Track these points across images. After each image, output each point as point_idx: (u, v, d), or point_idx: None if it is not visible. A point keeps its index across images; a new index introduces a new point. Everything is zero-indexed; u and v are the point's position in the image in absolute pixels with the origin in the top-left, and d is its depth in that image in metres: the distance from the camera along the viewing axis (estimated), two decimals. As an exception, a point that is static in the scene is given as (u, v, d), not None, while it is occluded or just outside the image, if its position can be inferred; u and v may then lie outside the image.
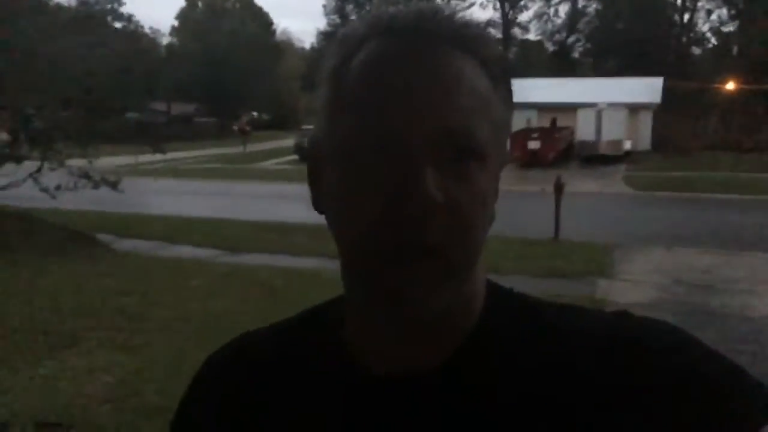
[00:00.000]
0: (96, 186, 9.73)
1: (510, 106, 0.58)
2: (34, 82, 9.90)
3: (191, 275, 7.77)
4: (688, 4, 39.19)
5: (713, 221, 12.04)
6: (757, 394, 0.52)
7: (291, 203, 16.07)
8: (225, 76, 48.19)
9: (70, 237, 9.57)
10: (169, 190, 18.60)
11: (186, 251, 9.74)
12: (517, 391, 0.55)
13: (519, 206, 13.92)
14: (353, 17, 43.12)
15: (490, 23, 45.73)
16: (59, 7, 14.21)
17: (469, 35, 0.55)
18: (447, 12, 0.55)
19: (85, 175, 9.64)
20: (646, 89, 26.56)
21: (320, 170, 0.57)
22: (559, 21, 45.33)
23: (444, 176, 0.50)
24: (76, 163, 9.89)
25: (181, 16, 59.16)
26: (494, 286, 0.62)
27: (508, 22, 45.30)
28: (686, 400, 0.51)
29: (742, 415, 0.51)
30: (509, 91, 0.58)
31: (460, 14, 0.56)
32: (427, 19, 0.54)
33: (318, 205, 0.59)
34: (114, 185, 9.87)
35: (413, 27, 0.54)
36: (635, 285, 7.44)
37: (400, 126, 0.50)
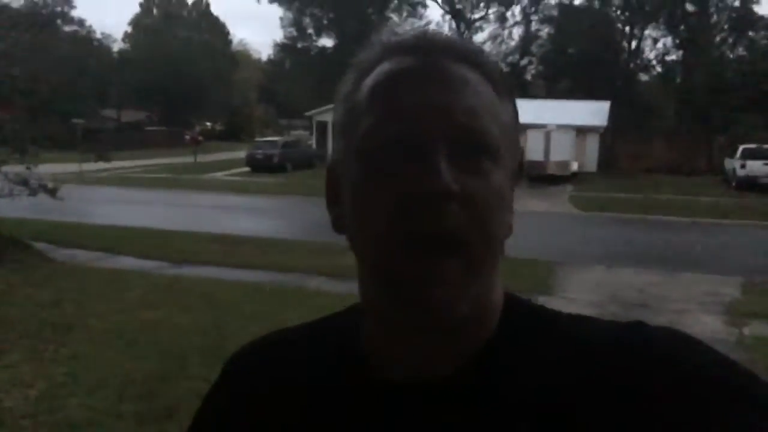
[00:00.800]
0: (33, 193, 9.42)
1: (516, 119, 0.62)
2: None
3: (130, 286, 7.59)
4: (635, 31, 40.56)
5: (654, 242, 12.42)
6: None
7: (239, 215, 15.92)
8: (178, 85, 47.50)
9: (2, 245, 9.22)
10: (115, 199, 18.15)
11: (128, 262, 9.51)
12: (534, 400, 0.55)
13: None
14: (310, 30, 43.22)
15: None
16: (3, 7, 13.80)
17: (471, 52, 0.59)
18: (449, 34, 0.62)
19: (23, 182, 9.33)
20: (594, 112, 27.35)
21: (338, 190, 0.60)
22: (512, 43, 46.33)
23: (460, 171, 0.52)
24: (14, 169, 9.57)
25: (135, 22, 58.19)
26: (511, 296, 0.64)
27: (463, 42, 46.02)
28: (697, 405, 0.51)
29: (754, 420, 0.50)
30: (514, 106, 0.62)
31: (461, 37, 0.63)
32: (432, 39, 0.59)
33: (338, 225, 0.61)
34: (52, 193, 9.58)
35: (420, 45, 0.58)
36: (572, 302, 7.61)
37: (415, 124, 0.54)
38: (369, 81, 0.58)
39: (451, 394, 0.57)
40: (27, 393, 4.11)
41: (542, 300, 7.48)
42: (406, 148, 0.53)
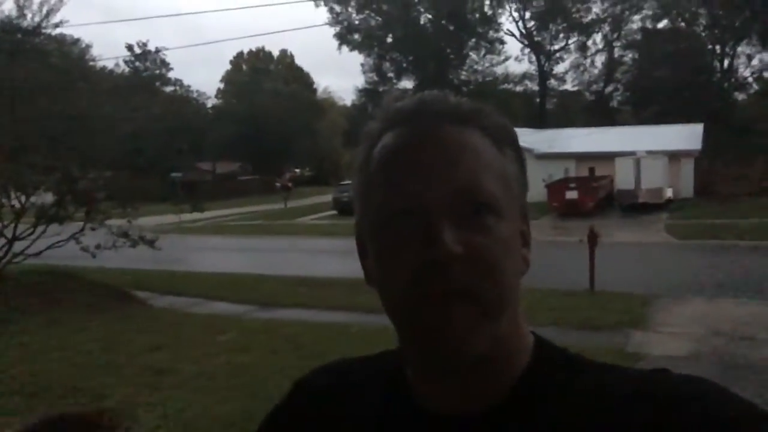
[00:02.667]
0: (134, 245, 10.03)
1: (521, 164, 0.67)
2: (83, 144, 10.40)
3: (222, 331, 7.87)
4: (727, 50, 38.85)
5: (757, 271, 11.61)
6: None
7: (326, 258, 16.23)
8: (268, 135, 49.49)
9: (108, 294, 9.84)
10: (211, 246, 18.99)
11: (221, 307, 9.89)
12: None
13: (556, 257, 13.70)
14: (390, 74, 44.12)
15: (526, 76, 46.16)
16: (110, 73, 15.01)
17: (467, 110, 0.64)
18: (444, 96, 0.66)
19: (124, 234, 9.96)
20: (687, 136, 26.18)
21: (364, 248, 0.67)
22: (595, 71, 45.42)
23: (462, 230, 0.58)
24: (116, 222, 10.24)
25: (227, 79, 61.50)
26: (541, 339, 0.69)
27: (544, 74, 45.58)
28: None
29: None
30: (517, 151, 0.67)
31: (456, 97, 0.66)
32: (427, 104, 0.64)
33: (369, 278, 0.67)
34: (151, 243, 10.15)
35: (417, 112, 0.64)
36: (671, 336, 7.19)
37: (418, 193, 0.59)
38: (375, 154, 0.64)
39: (486, 427, 0.62)
40: (125, 436, 4.33)
41: (638, 336, 7.16)
42: (413, 219, 0.59)
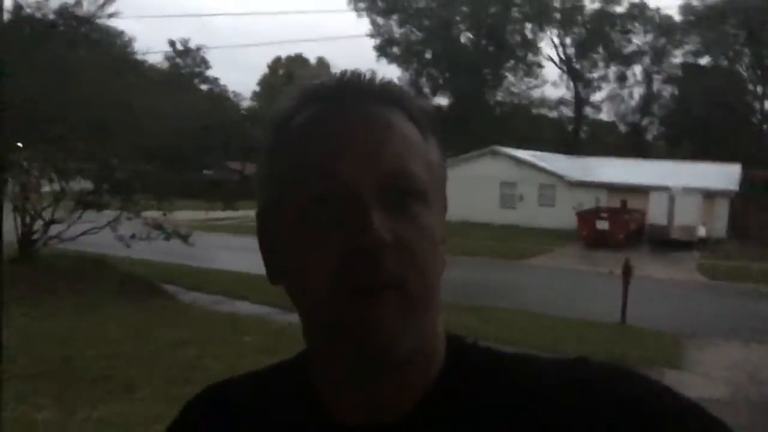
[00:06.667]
0: (168, 237, 10.09)
1: (443, 155, 0.61)
2: (123, 134, 10.52)
3: (247, 331, 7.85)
4: (767, 91, 38.36)
5: (795, 317, 11.30)
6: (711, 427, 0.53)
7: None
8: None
9: (137, 285, 9.89)
10: (236, 246, 19.06)
11: (244, 307, 9.88)
12: None
13: (585, 286, 13.53)
14: (426, 90, 44.19)
15: (561, 101, 45.95)
16: (152, 66, 15.22)
17: (393, 91, 0.59)
18: (368, 75, 0.59)
19: (159, 227, 10.03)
20: (723, 175, 25.77)
21: (272, 240, 0.59)
22: (632, 103, 45.04)
23: (391, 217, 0.53)
24: (151, 214, 10.32)
25: (263, 82, 62.17)
26: (457, 338, 0.63)
27: (580, 102, 45.33)
28: None
29: None
30: (440, 141, 0.61)
31: (380, 76, 0.59)
32: (351, 82, 0.58)
33: (273, 273, 0.61)
34: (185, 238, 10.22)
35: (340, 89, 0.58)
36: (706, 379, 7.00)
37: (344, 177, 0.53)
38: (290, 133, 0.57)
39: None
40: (155, 429, 4.29)
41: (672, 376, 6.98)
42: (338, 203, 0.53)
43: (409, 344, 0.54)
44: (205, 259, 14.53)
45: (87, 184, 10.68)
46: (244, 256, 17.15)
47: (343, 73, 0.59)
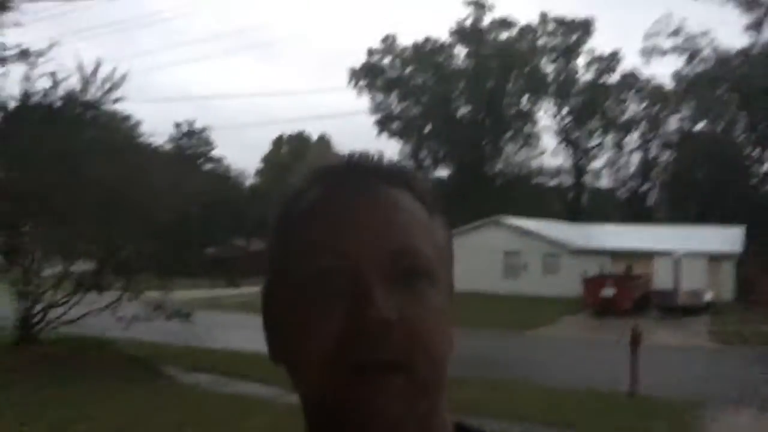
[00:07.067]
0: (169, 317, 10.03)
1: (449, 236, 0.62)
2: (126, 215, 10.62)
3: (251, 413, 7.68)
4: (766, 154, 38.74)
5: (810, 383, 11.00)
6: None
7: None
8: (302, 215, 50.09)
9: (138, 368, 9.76)
10: (241, 324, 18.84)
11: (249, 388, 9.67)
12: None
13: (591, 356, 13.27)
14: (427, 162, 44.77)
15: (561, 170, 46.43)
16: (155, 148, 15.56)
17: (399, 172, 0.60)
18: (374, 156, 0.61)
19: (159, 307, 9.98)
20: (727, 238, 25.71)
21: (275, 317, 0.59)
22: (631, 169, 45.48)
23: (396, 295, 0.53)
24: (152, 294, 10.29)
25: (266, 159, 63.17)
26: (461, 424, 0.62)
27: (579, 170, 45.83)
28: None
29: None
30: (446, 221, 0.62)
31: (388, 158, 0.61)
32: (359, 162, 0.60)
33: (275, 352, 0.60)
34: (186, 317, 10.15)
35: (348, 170, 0.59)
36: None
37: (349, 252, 0.53)
38: (300, 211, 0.58)
39: None
40: None
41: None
42: (343, 279, 0.53)
43: (415, 427, 0.53)
44: (208, 339, 14.35)
45: (88, 266, 10.71)
46: (252, 334, 16.90)
47: (351, 154, 0.61)
